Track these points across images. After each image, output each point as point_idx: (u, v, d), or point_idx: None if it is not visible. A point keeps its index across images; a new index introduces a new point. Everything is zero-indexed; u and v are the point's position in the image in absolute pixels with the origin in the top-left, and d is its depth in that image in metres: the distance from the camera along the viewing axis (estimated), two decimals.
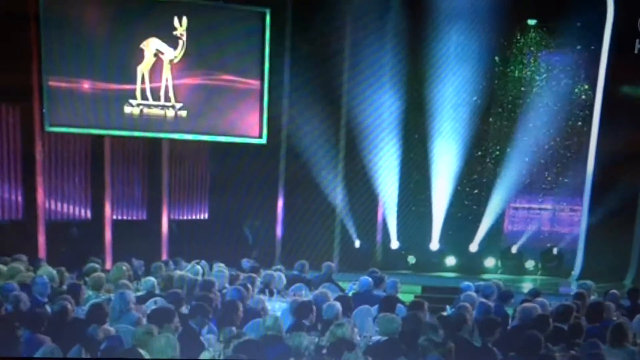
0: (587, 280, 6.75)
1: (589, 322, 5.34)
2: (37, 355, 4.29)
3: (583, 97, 9.93)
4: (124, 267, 6.24)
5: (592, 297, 6.29)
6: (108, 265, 6.87)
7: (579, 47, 9.76)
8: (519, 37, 9.92)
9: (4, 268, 5.91)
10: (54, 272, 5.79)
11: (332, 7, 9.11)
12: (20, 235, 8.23)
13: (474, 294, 5.85)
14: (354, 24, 9.47)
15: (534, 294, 6.40)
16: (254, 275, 6.44)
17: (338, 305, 5.13)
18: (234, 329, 4.86)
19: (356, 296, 6.32)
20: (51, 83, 8.23)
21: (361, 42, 9.50)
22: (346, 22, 9.45)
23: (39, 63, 8.13)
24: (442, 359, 4.21)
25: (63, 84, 8.30)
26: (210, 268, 6.91)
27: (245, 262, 7.49)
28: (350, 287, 6.70)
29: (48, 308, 5.01)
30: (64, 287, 5.67)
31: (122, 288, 5.32)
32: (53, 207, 8.71)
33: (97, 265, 6.45)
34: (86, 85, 8.46)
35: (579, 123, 9.98)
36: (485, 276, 9.19)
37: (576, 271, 9.41)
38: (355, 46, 9.56)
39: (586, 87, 9.89)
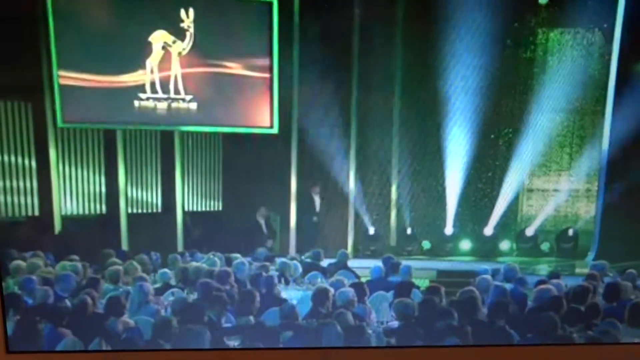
0: (600, 261, 6.77)
1: (606, 302, 5.39)
2: (59, 348, 4.40)
3: (597, 76, 9.86)
4: (142, 260, 6.35)
5: (608, 277, 6.33)
6: (124, 258, 6.97)
7: (591, 25, 9.66)
8: (530, 18, 9.84)
9: (23, 264, 6.04)
10: (79, 266, 5.93)
11: None
12: (37, 231, 8.36)
13: (488, 277, 5.90)
14: (364, 9, 9.44)
15: (553, 276, 6.45)
16: (267, 264, 6.54)
17: (351, 290, 5.20)
18: (251, 318, 4.96)
19: (371, 283, 6.40)
20: (62, 79, 8.30)
21: (372, 27, 9.47)
22: (355, 8, 9.42)
23: (49, 60, 8.20)
24: (459, 342, 4.27)
25: (74, 80, 8.37)
26: (227, 259, 7.01)
27: (261, 252, 7.59)
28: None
29: (68, 302, 5.13)
30: (83, 281, 5.80)
31: (139, 280, 5.42)
32: (68, 201, 8.82)
33: (113, 259, 6.58)
34: (96, 80, 8.53)
35: (593, 103, 9.91)
36: (501, 259, 9.21)
37: (592, 252, 9.39)
38: (365, 32, 9.53)
39: (600, 66, 9.81)
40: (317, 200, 9.90)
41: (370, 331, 4.85)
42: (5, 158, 8.55)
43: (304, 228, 10.04)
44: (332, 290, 5.09)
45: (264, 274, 6.07)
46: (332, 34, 9.21)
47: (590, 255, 9.37)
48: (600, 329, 4.82)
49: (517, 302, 5.47)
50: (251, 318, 4.98)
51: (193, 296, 5.46)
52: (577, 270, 8.44)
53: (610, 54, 9.35)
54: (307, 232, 9.83)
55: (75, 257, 6.77)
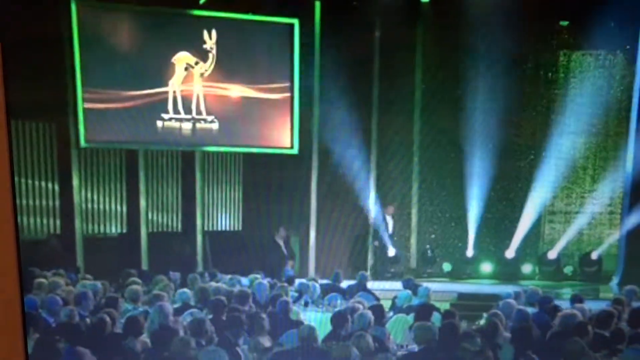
0: (629, 285, 6.63)
1: (631, 327, 5.26)
2: None
3: (619, 97, 9.76)
4: (163, 280, 6.36)
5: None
6: (145, 277, 6.99)
7: (613, 47, 9.59)
8: (551, 40, 9.79)
9: (45, 282, 6.07)
10: (99, 285, 5.95)
11: (361, 16, 9.14)
12: (59, 249, 8.42)
13: (512, 301, 5.80)
14: (384, 33, 9.48)
15: (577, 300, 6.33)
16: (285, 285, 6.51)
17: (370, 314, 5.14)
18: (270, 339, 4.91)
19: (395, 307, 6.32)
20: (86, 100, 8.42)
21: (391, 50, 9.50)
22: (375, 31, 9.46)
23: (74, 80, 8.32)
24: None
25: (97, 101, 8.49)
26: (250, 281, 6.99)
27: (287, 271, 7.58)
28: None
29: (88, 321, 5.13)
30: (103, 300, 5.80)
31: (159, 300, 5.41)
32: (90, 220, 8.89)
33: (134, 278, 6.59)
34: (119, 100, 8.63)
35: (616, 124, 9.80)
36: (523, 282, 9.06)
37: (617, 276, 9.22)
38: (385, 54, 9.56)
39: (622, 88, 9.72)
40: (390, 221, 9.80)
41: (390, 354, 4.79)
42: (29, 177, 8.66)
43: (324, 249, 10.00)
44: (358, 307, 5.05)
45: (283, 295, 6.03)
46: (353, 56, 9.24)
47: (615, 279, 9.20)
48: (626, 356, 4.70)
49: (540, 327, 5.37)
50: (270, 340, 4.95)
51: (211, 316, 5.44)
52: (602, 294, 8.27)
53: (632, 76, 9.27)
54: (327, 254, 9.78)
55: (96, 275, 6.81)
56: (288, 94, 9.48)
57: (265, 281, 6.67)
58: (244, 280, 7.02)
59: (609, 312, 5.27)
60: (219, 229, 9.87)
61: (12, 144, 2.98)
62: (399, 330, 5.58)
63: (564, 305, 6.11)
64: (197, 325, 4.83)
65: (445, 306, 6.68)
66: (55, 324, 5.00)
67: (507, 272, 9.70)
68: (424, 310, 5.75)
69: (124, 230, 9.11)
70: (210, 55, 9.06)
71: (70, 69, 8.32)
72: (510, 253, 9.81)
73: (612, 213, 9.91)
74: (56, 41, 8.23)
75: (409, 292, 6.48)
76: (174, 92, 8.94)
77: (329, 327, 5.16)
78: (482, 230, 9.87)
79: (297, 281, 7.05)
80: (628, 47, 9.38)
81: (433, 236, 9.95)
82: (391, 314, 6.07)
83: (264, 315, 5.13)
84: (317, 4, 9.51)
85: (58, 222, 8.62)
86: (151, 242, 9.08)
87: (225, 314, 5.22)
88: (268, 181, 9.72)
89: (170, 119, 8.96)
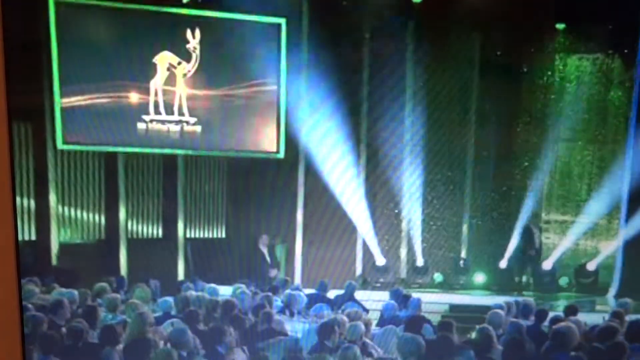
0: (625, 298, 6.71)
1: (630, 341, 5.32)
2: None
3: (617, 103, 9.88)
4: (144, 288, 6.36)
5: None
6: (124, 286, 6.98)
7: (611, 51, 9.72)
8: (546, 43, 9.90)
9: None
10: (75, 293, 5.93)
11: (350, 17, 9.20)
12: (34, 256, 8.38)
13: (501, 312, 5.86)
14: (373, 35, 9.55)
15: (572, 311, 6.38)
16: (270, 294, 6.54)
17: (362, 325, 5.18)
18: (255, 350, 4.93)
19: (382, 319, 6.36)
20: (64, 100, 8.41)
21: (381, 53, 9.57)
22: (365, 33, 9.53)
23: (51, 81, 8.30)
24: None
25: (76, 101, 8.48)
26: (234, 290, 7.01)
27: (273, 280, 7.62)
28: None
29: (63, 330, 5.13)
30: (80, 309, 5.80)
31: (138, 309, 5.42)
32: (67, 226, 8.85)
33: (110, 286, 6.58)
34: (99, 101, 8.63)
35: (613, 131, 9.91)
36: (516, 294, 9.14)
37: (613, 288, 9.31)
38: (375, 57, 9.62)
39: (620, 93, 9.84)
40: (536, 232, 9.77)
41: None
42: None
43: (311, 258, 10.01)
44: (346, 320, 5.09)
45: (267, 305, 6.06)
46: (342, 57, 9.28)
47: (612, 291, 9.29)
48: None
49: (533, 340, 5.41)
50: (255, 350, 4.97)
51: (192, 326, 5.45)
52: (598, 307, 8.36)
53: (631, 81, 9.39)
54: (314, 263, 9.80)
55: (72, 283, 6.78)
56: (274, 96, 9.50)
57: (249, 290, 6.69)
58: (221, 290, 7.04)
59: (606, 325, 5.33)
60: (202, 236, 9.86)
61: (13, 150, 3.00)
62: (388, 341, 5.61)
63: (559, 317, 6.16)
64: (178, 336, 4.84)
65: (436, 318, 6.73)
66: (28, 333, 4.98)
67: (501, 282, 9.77)
68: (414, 322, 5.78)
69: (102, 237, 9.08)
70: (194, 55, 9.07)
71: (47, 69, 8.30)
72: (503, 263, 9.88)
73: (609, 223, 10.01)
74: (34, 39, 8.22)
75: (393, 302, 6.53)
76: (156, 93, 8.94)
77: (315, 338, 5.19)
78: (475, 239, 9.93)
79: (283, 291, 7.07)
80: (626, 50, 9.50)
81: (424, 245, 10.00)
82: (376, 329, 6.11)
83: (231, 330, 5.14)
84: (305, 4, 9.57)
85: (33, 227, 8.58)
86: (131, 249, 9.06)
87: (203, 324, 5.24)
88: (253, 187, 9.73)
89: (151, 121, 8.96)
